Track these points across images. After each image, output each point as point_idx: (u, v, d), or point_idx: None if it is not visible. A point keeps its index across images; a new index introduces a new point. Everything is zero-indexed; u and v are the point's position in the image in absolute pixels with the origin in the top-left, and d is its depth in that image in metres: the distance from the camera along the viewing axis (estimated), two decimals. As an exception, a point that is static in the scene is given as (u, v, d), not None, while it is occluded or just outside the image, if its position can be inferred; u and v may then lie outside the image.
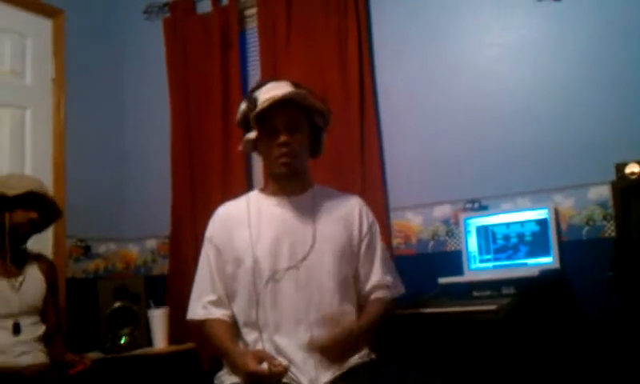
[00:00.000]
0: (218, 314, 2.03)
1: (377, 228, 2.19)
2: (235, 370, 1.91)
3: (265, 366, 1.80)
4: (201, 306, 2.05)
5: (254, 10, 3.60)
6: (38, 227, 2.72)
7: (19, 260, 2.65)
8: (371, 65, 3.20)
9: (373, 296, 2.11)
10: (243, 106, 2.05)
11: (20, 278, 2.60)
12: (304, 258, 1.99)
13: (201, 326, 2.06)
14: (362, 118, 3.14)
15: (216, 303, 2.04)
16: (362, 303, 2.10)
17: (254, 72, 3.64)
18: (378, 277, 2.11)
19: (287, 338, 1.92)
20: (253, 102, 1.99)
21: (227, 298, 2.05)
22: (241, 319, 2.02)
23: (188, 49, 3.74)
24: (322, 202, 2.11)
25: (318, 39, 3.29)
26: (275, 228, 2.02)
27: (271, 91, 1.97)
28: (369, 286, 2.10)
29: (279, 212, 2.06)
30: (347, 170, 3.11)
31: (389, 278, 2.14)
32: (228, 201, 2.20)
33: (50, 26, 3.69)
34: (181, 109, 3.72)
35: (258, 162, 3.53)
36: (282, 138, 1.98)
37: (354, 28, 3.19)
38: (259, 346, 1.94)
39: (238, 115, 2.08)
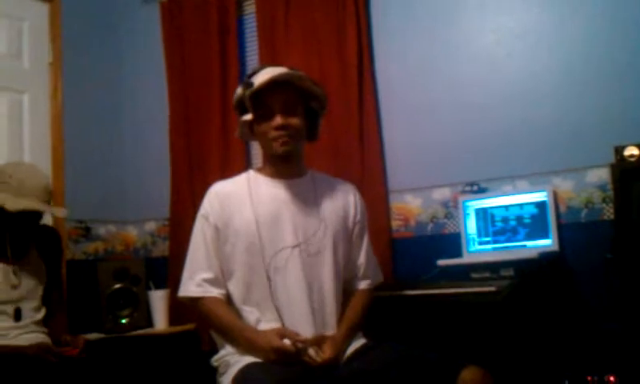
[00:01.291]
0: (215, 292, 2.02)
1: (366, 216, 2.23)
2: (252, 348, 1.91)
3: (288, 341, 1.84)
4: (195, 284, 2.03)
5: (252, -6, 3.59)
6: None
7: (20, 247, 2.64)
8: (370, 49, 3.20)
9: (358, 285, 2.16)
10: (239, 89, 2.06)
11: (19, 267, 2.58)
12: (309, 239, 2.01)
13: (195, 303, 2.05)
14: (361, 102, 3.15)
15: (212, 282, 2.03)
16: (345, 287, 2.13)
17: (252, 58, 3.63)
18: (363, 266, 2.17)
19: (293, 317, 1.95)
20: (249, 85, 1.99)
21: (223, 277, 2.04)
22: (239, 297, 2.01)
23: (185, 33, 3.72)
24: (322, 187, 2.14)
25: (317, 24, 3.29)
26: (277, 208, 2.03)
27: (267, 74, 1.97)
28: (355, 273, 2.16)
29: (280, 193, 2.06)
30: (346, 154, 3.13)
31: (372, 267, 2.20)
32: (222, 180, 2.19)
33: (46, 10, 3.66)
34: (179, 92, 3.71)
35: (256, 145, 3.53)
36: (278, 120, 1.98)
37: (352, 12, 3.17)
38: (262, 325, 1.95)
39: (235, 98, 2.09)
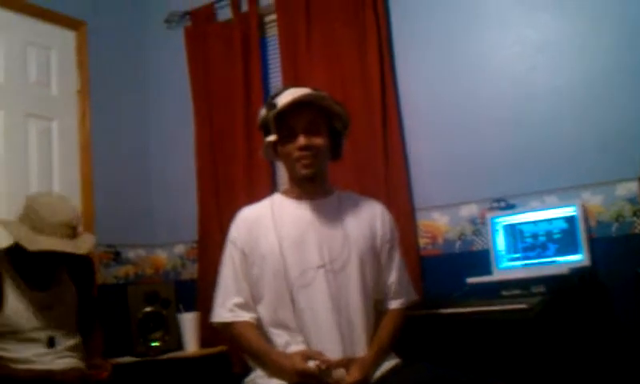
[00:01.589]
0: (247, 316, 2.04)
1: (397, 234, 2.22)
2: (278, 371, 1.92)
3: (312, 364, 1.84)
4: (227, 309, 2.05)
5: (274, 16, 3.62)
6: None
7: (50, 274, 2.66)
8: (392, 66, 3.21)
9: (390, 305, 2.14)
10: (263, 110, 2.07)
11: (49, 294, 2.59)
12: (335, 259, 2.01)
13: (227, 328, 2.07)
14: (385, 120, 3.15)
15: (243, 306, 2.05)
16: (377, 307, 2.11)
17: (276, 79, 3.66)
18: (395, 285, 2.14)
19: (320, 338, 1.94)
20: (273, 106, 2.01)
21: (253, 301, 2.06)
22: (268, 321, 2.02)
23: (209, 57, 3.77)
24: (348, 206, 2.14)
25: (339, 43, 3.31)
26: (302, 229, 2.04)
27: (290, 96, 1.99)
28: (386, 293, 2.14)
29: (306, 214, 2.07)
30: (371, 173, 3.13)
31: (404, 286, 2.17)
32: (249, 204, 2.22)
33: (73, 38, 3.75)
34: (204, 116, 3.76)
35: (281, 166, 3.54)
36: (301, 140, 1.99)
37: (374, 30, 3.19)
38: (291, 348, 1.95)
39: (259, 119, 2.10)
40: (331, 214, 2.08)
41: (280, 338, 1.99)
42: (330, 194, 2.14)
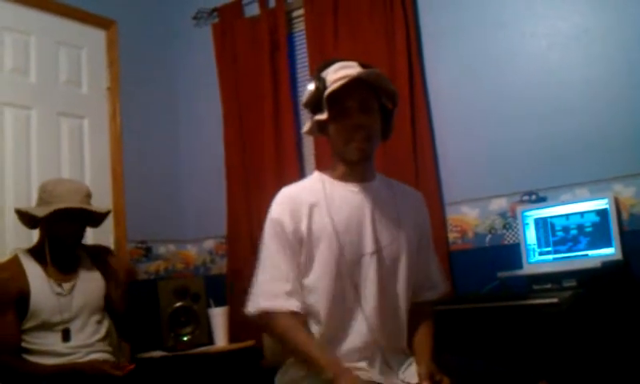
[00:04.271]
0: (293, 305, 1.84)
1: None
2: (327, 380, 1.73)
3: None
4: (271, 295, 1.85)
5: (301, 12, 3.63)
6: (84, 230, 2.70)
7: (71, 263, 2.69)
8: (420, 60, 3.20)
9: (425, 296, 2.04)
10: (312, 86, 1.90)
11: (71, 282, 2.62)
12: (387, 245, 1.90)
13: (267, 318, 1.87)
14: (413, 114, 3.14)
15: (290, 293, 1.84)
16: (412, 298, 2.01)
17: (303, 73, 3.67)
18: (435, 274, 2.06)
19: (366, 325, 1.86)
20: (322, 82, 1.87)
21: (300, 289, 1.87)
22: (322, 311, 1.85)
23: (237, 52, 3.80)
24: (397, 192, 2.03)
25: (366, 37, 3.31)
26: (355, 212, 1.90)
27: (341, 71, 1.86)
28: (422, 283, 2.03)
29: (356, 197, 1.92)
30: (400, 167, 3.12)
31: (440, 277, 2.09)
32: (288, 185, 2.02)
33: (103, 37, 3.80)
34: (233, 112, 3.78)
35: (310, 162, 3.56)
36: (357, 119, 1.85)
37: (401, 27, 3.19)
38: (345, 345, 1.85)
39: (306, 96, 1.92)
40: (382, 199, 1.95)
41: (332, 330, 1.85)
42: (374, 177, 2.01)
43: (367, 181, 1.96)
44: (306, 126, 2.01)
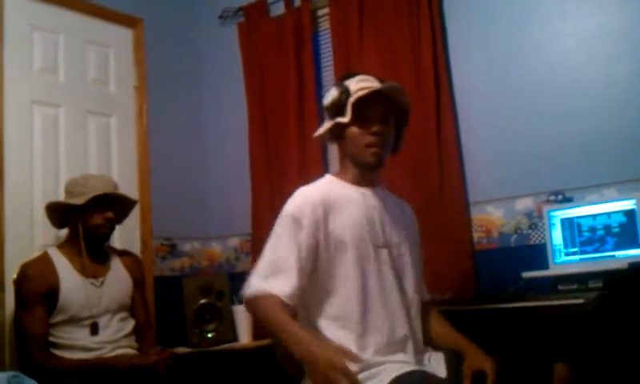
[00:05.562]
0: (284, 292, 1.85)
1: None
2: (308, 361, 1.71)
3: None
4: (263, 279, 1.88)
5: (326, 10, 3.63)
6: (116, 223, 2.80)
7: (101, 259, 2.74)
8: (446, 60, 3.18)
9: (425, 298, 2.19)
10: (335, 91, 2.03)
11: (101, 278, 2.68)
12: (397, 243, 2.04)
13: (256, 299, 1.88)
14: (438, 113, 3.13)
15: (284, 282, 1.86)
16: None
17: (328, 72, 3.68)
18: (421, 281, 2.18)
19: (389, 317, 1.93)
20: (345, 89, 2.00)
21: (298, 287, 1.88)
22: (356, 303, 1.90)
23: (262, 51, 3.81)
24: (395, 201, 2.21)
25: (391, 36, 3.29)
26: (368, 211, 2.03)
27: (363, 82, 2.01)
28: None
29: (367, 198, 2.06)
30: (425, 167, 3.11)
31: (424, 285, 2.21)
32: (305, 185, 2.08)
33: (130, 35, 3.84)
34: (257, 110, 3.80)
35: (334, 157, 3.56)
36: (377, 127, 1.99)
37: (427, 24, 3.17)
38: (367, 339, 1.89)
39: (330, 99, 2.04)
40: (389, 204, 2.12)
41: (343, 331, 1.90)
42: (378, 184, 2.16)
43: (374, 186, 2.12)
44: (319, 130, 2.12)
